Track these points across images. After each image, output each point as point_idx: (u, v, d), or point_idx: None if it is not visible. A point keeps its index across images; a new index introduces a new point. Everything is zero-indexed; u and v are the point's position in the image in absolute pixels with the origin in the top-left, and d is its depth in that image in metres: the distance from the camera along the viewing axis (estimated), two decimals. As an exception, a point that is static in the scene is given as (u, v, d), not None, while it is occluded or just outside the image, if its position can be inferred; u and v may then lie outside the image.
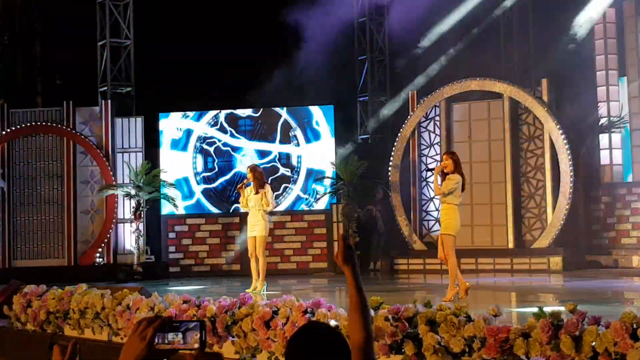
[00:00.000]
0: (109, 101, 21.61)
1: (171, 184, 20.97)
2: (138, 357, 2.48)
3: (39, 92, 24.83)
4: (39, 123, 21.11)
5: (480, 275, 18.40)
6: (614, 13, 20.25)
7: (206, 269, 21.22)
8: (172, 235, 21.41)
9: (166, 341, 2.54)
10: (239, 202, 15.50)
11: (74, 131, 20.98)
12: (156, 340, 2.53)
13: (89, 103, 21.95)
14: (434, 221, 19.91)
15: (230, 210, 21.35)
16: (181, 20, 22.85)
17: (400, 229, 20.35)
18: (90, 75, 22.88)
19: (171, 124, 21.48)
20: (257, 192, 14.32)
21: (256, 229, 14.36)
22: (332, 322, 7.34)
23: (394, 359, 6.87)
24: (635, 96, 19.72)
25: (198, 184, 21.47)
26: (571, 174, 18.83)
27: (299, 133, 21.28)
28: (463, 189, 12.32)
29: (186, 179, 21.44)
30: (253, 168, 14.73)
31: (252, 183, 14.45)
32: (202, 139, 21.41)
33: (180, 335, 2.58)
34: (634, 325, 5.59)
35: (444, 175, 12.05)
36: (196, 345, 2.60)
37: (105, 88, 22.57)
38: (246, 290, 13.43)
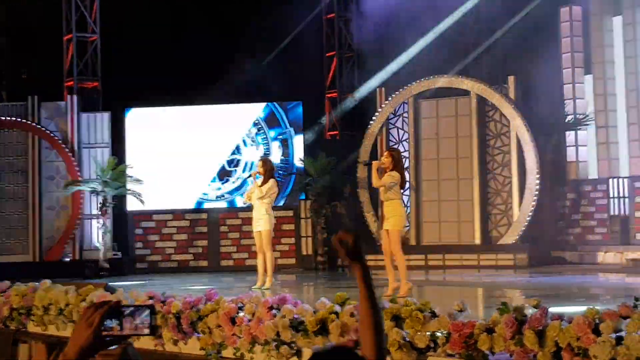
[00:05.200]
0: (75, 96, 21.47)
1: (138, 180, 20.90)
2: (85, 344, 2.43)
3: (4, 87, 24.60)
4: (3, 118, 20.90)
5: (447, 272, 18.47)
6: (580, 11, 20.39)
7: (173, 265, 21.14)
8: (139, 231, 21.32)
9: (112, 326, 2.47)
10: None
11: (39, 126, 20.81)
12: (108, 325, 2.47)
13: (55, 98, 21.78)
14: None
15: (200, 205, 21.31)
16: (148, 14, 22.70)
17: (368, 225, 20.38)
18: (56, 69, 22.69)
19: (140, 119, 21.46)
20: (262, 186, 14.05)
21: (260, 223, 14.03)
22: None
23: (359, 354, 6.86)
24: (600, 94, 19.85)
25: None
26: (537, 170, 18.95)
27: (267, 128, 21.27)
28: (403, 187, 12.28)
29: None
30: (265, 161, 14.40)
31: (260, 176, 14.13)
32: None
33: (126, 320, 2.51)
34: (597, 321, 5.63)
35: (383, 171, 12.07)
36: (146, 331, 2.54)
37: (72, 83, 22.41)
38: (253, 287, 13.38)
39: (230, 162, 21.40)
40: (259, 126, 21.35)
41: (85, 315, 2.46)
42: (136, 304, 2.58)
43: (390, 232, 11.88)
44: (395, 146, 20.64)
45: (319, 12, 24.64)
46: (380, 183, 11.93)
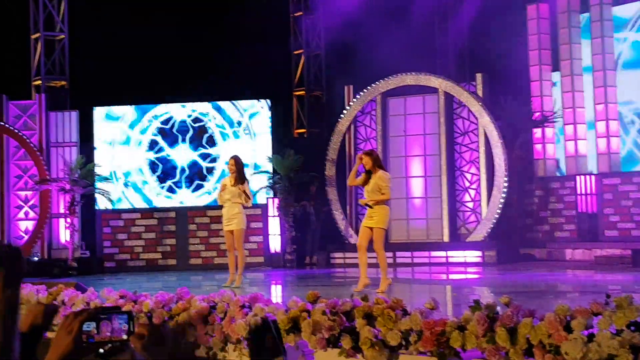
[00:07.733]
0: (43, 95, 21.34)
1: (106, 178, 20.82)
2: (65, 351, 2.46)
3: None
4: (-30, 117, 20.77)
5: (416, 269, 18.51)
6: (547, 9, 20.53)
7: (142, 263, 21.07)
8: (107, 230, 21.21)
9: (89, 329, 2.51)
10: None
11: (7, 125, 20.66)
12: (86, 328, 2.50)
13: (23, 97, 21.66)
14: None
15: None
16: (116, 13, 22.61)
17: (337, 223, 20.40)
18: (24, 68, 22.57)
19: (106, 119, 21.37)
20: (235, 185, 13.84)
21: (234, 222, 13.83)
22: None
23: (331, 352, 6.88)
24: (567, 91, 20.00)
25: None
26: (505, 167, 19.06)
27: (236, 127, 21.24)
28: None
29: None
30: (237, 159, 14.07)
31: (228, 173, 13.96)
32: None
33: (104, 325, 2.54)
34: (568, 318, 5.67)
35: (366, 172, 12.19)
36: (124, 336, 2.58)
37: (40, 82, 22.27)
38: (223, 285, 13.33)
39: (203, 159, 21.38)
40: (227, 124, 21.31)
41: (65, 323, 2.49)
42: (114, 309, 2.60)
43: (375, 230, 12.06)
44: (363, 144, 20.69)
45: (287, 10, 24.65)
46: (388, 195, 12.06)
